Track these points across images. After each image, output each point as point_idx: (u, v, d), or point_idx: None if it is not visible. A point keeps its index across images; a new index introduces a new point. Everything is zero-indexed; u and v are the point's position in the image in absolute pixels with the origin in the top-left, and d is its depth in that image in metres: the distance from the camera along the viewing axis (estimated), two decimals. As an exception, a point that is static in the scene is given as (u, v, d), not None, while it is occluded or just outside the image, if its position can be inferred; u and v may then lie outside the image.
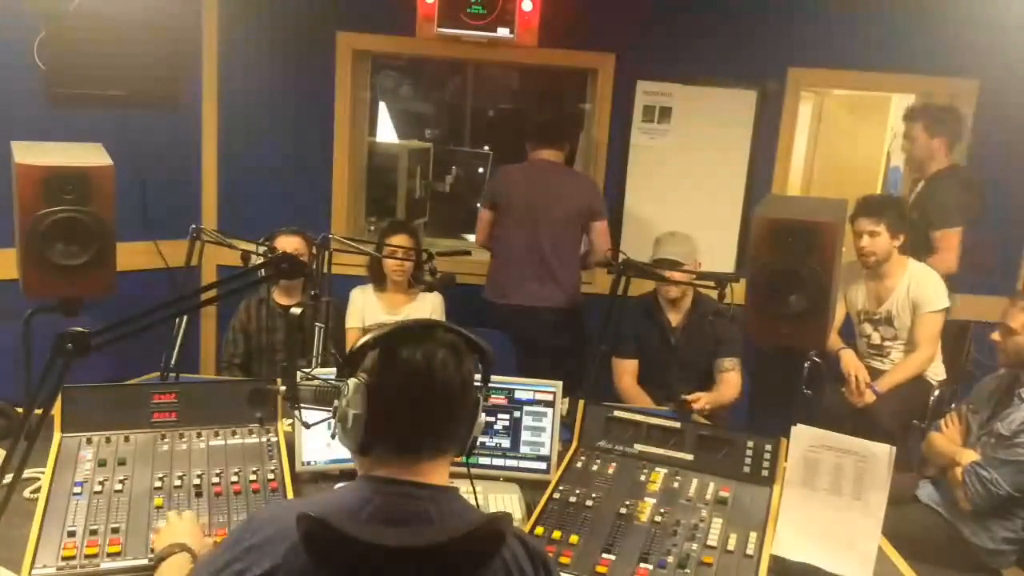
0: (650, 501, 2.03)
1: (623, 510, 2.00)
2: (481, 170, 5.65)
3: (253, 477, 2.01)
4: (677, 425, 2.21)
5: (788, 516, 1.92)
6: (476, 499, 1.51)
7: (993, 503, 2.64)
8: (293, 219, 3.44)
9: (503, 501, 2.11)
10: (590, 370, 2.80)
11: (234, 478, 1.99)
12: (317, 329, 2.74)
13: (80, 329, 1.63)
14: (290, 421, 2.22)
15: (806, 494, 1.92)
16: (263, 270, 2.00)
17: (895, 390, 3.42)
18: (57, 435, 2.01)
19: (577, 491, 2.07)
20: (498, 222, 3.75)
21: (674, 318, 3.40)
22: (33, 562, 1.69)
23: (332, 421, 1.33)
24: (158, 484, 1.94)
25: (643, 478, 2.11)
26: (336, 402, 1.31)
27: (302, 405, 1.53)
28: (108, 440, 2.04)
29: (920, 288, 3.44)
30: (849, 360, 3.51)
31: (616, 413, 2.27)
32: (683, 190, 4.19)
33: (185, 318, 2.74)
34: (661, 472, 2.12)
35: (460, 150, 6.18)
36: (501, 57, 4.26)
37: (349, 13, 4.04)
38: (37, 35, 3.42)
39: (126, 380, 2.70)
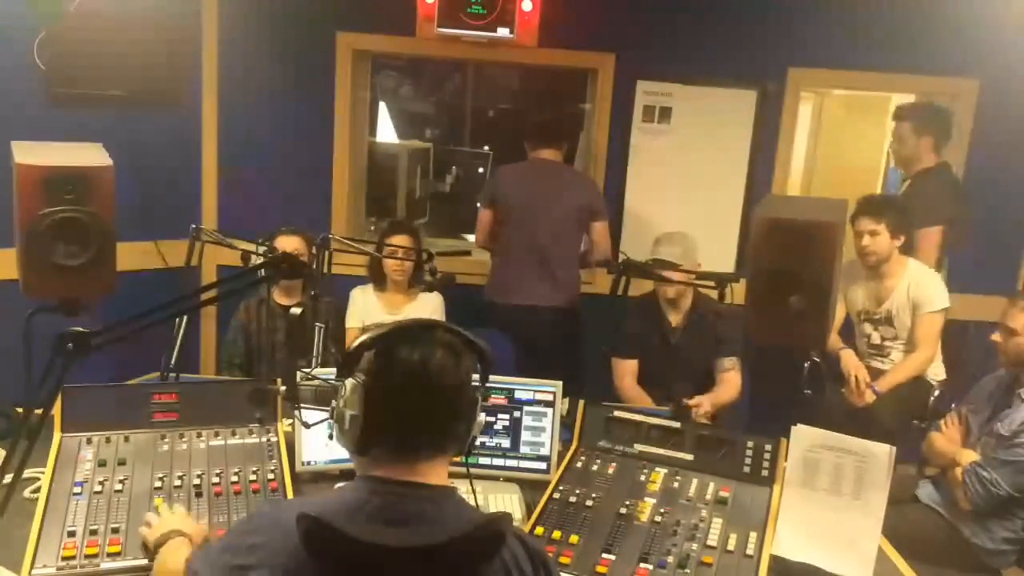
0: (650, 501, 2.03)
1: (623, 510, 2.00)
2: (481, 170, 5.64)
3: (253, 477, 2.01)
4: (677, 425, 2.21)
5: (788, 516, 1.93)
6: (476, 499, 1.51)
7: (993, 503, 2.64)
8: (293, 219, 3.44)
9: (503, 501, 2.11)
10: (590, 370, 2.80)
11: (234, 478, 1.99)
12: (317, 329, 2.74)
13: (80, 329, 1.63)
14: (290, 421, 2.22)
15: (806, 494, 1.92)
16: (263, 270, 2.00)
17: (895, 390, 3.42)
18: (57, 435, 2.01)
19: (577, 491, 2.07)
20: (498, 222, 3.76)
21: (674, 318, 3.40)
22: (33, 562, 1.69)
23: (331, 421, 1.33)
24: (158, 484, 1.94)
25: (643, 478, 2.11)
26: (333, 402, 1.31)
27: (302, 405, 1.53)
28: (108, 440, 2.04)
29: (920, 288, 3.44)
30: (849, 360, 3.51)
31: (616, 413, 2.27)
32: (683, 190, 4.19)
33: (185, 318, 2.74)
34: (661, 472, 2.12)
35: (460, 150, 6.17)
36: (501, 57, 4.26)
37: (349, 13, 4.04)
38: (37, 35, 3.42)
39: (126, 380, 2.70)
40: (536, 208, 3.64)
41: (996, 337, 2.84)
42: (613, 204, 4.06)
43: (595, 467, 2.16)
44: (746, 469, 2.10)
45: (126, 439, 2.05)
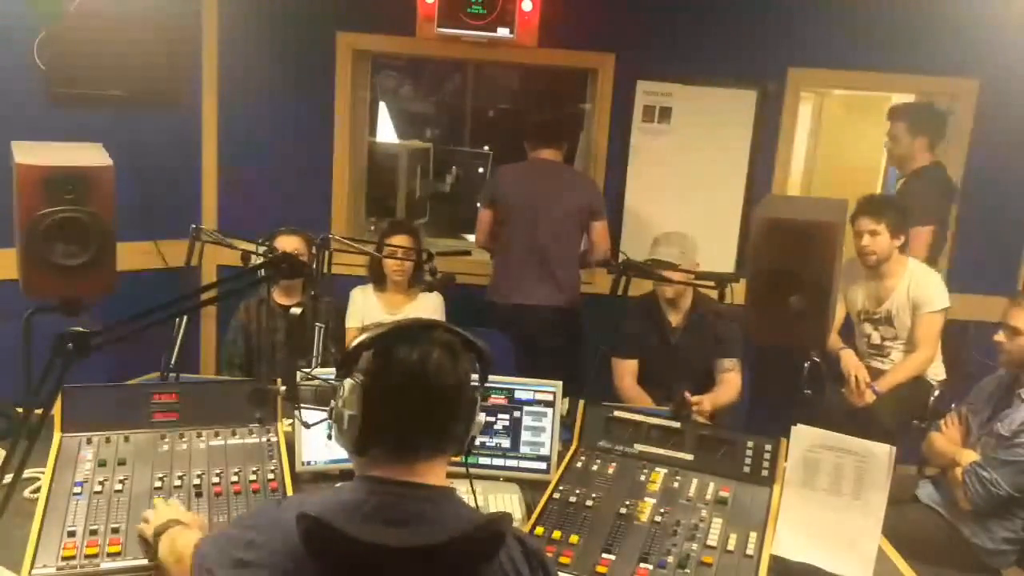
0: (650, 501, 2.03)
1: (623, 510, 2.00)
2: (481, 170, 5.65)
3: (253, 477, 2.01)
4: (677, 425, 2.21)
5: (788, 516, 1.92)
6: (475, 499, 1.51)
7: (993, 503, 2.64)
8: (293, 219, 3.44)
9: (503, 501, 2.11)
10: (590, 370, 2.80)
11: (234, 478, 1.99)
12: (317, 329, 2.74)
13: (80, 329, 1.63)
14: (290, 421, 2.22)
15: (806, 494, 1.92)
16: (263, 270, 2.00)
17: (895, 390, 3.42)
18: (57, 435, 2.01)
19: (577, 491, 2.07)
20: (498, 222, 3.76)
21: (674, 318, 3.40)
22: (33, 562, 1.69)
23: (329, 421, 1.33)
24: (158, 484, 1.94)
25: (643, 478, 2.11)
26: (332, 402, 1.31)
27: (302, 405, 1.53)
28: (108, 440, 2.03)
29: (920, 288, 3.44)
30: (849, 360, 3.51)
31: (616, 413, 2.27)
32: (683, 190, 4.19)
33: (185, 318, 2.74)
34: (661, 472, 2.12)
35: (460, 150, 6.18)
36: (501, 57, 4.26)
37: (349, 13, 4.04)
38: (37, 35, 3.42)
39: (126, 380, 2.70)
40: (536, 208, 3.64)
41: (999, 337, 2.83)
42: (613, 204, 4.06)
43: (595, 467, 2.15)
44: (746, 469, 2.10)
45: (126, 439, 2.05)
